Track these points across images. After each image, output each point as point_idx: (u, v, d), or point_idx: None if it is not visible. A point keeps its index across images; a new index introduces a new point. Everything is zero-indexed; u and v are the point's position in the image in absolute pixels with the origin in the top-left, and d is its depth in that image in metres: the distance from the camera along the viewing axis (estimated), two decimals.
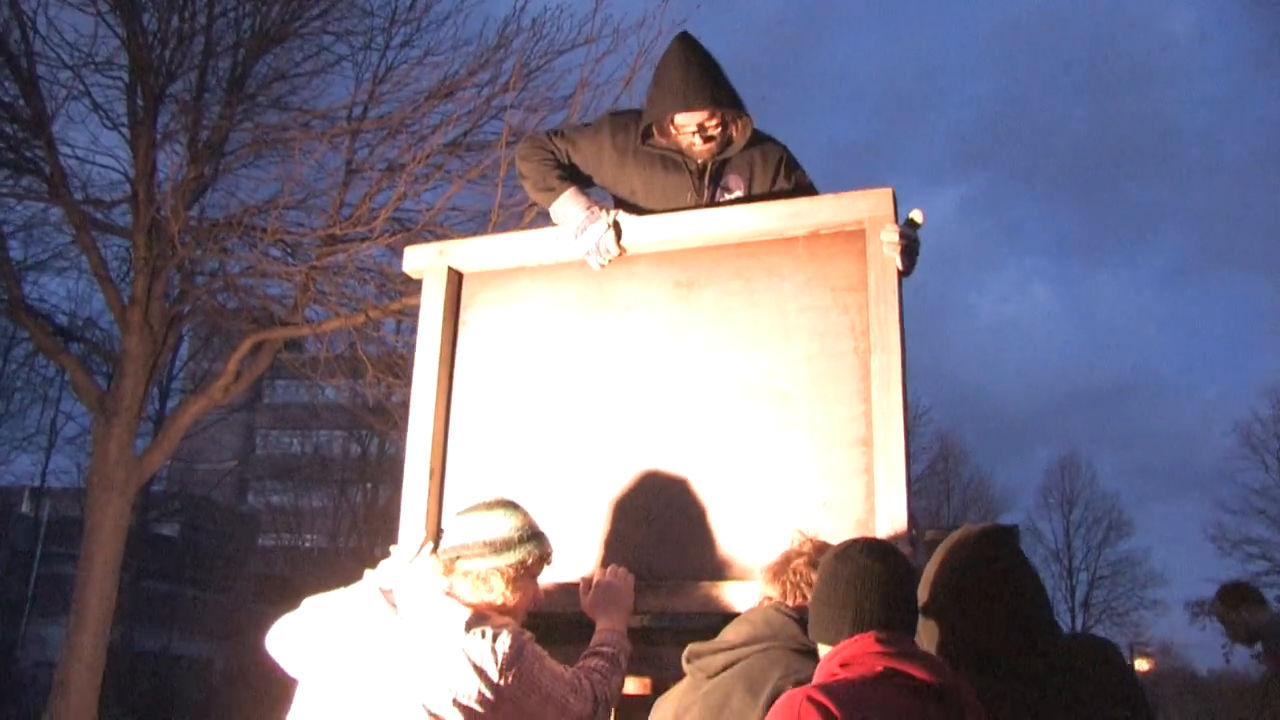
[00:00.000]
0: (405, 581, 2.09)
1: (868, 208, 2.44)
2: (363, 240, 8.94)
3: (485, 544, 2.05)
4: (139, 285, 9.51)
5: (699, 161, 2.73)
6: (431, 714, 1.87)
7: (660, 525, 2.42)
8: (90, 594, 9.03)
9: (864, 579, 1.71)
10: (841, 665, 1.65)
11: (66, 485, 21.43)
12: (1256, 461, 31.24)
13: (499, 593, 2.05)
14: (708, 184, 2.74)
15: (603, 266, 2.63)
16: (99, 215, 10.28)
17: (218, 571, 23.70)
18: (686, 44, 2.70)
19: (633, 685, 2.94)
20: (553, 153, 2.84)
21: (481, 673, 1.89)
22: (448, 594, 2.03)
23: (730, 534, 2.38)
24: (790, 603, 2.01)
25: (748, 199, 2.72)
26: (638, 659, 2.36)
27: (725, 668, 1.93)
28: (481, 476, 2.59)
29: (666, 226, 2.63)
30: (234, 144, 10.23)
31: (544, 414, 2.61)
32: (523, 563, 2.06)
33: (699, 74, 2.63)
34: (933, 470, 31.10)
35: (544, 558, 2.13)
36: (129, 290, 9.72)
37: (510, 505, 2.15)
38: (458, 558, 2.06)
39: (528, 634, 2.03)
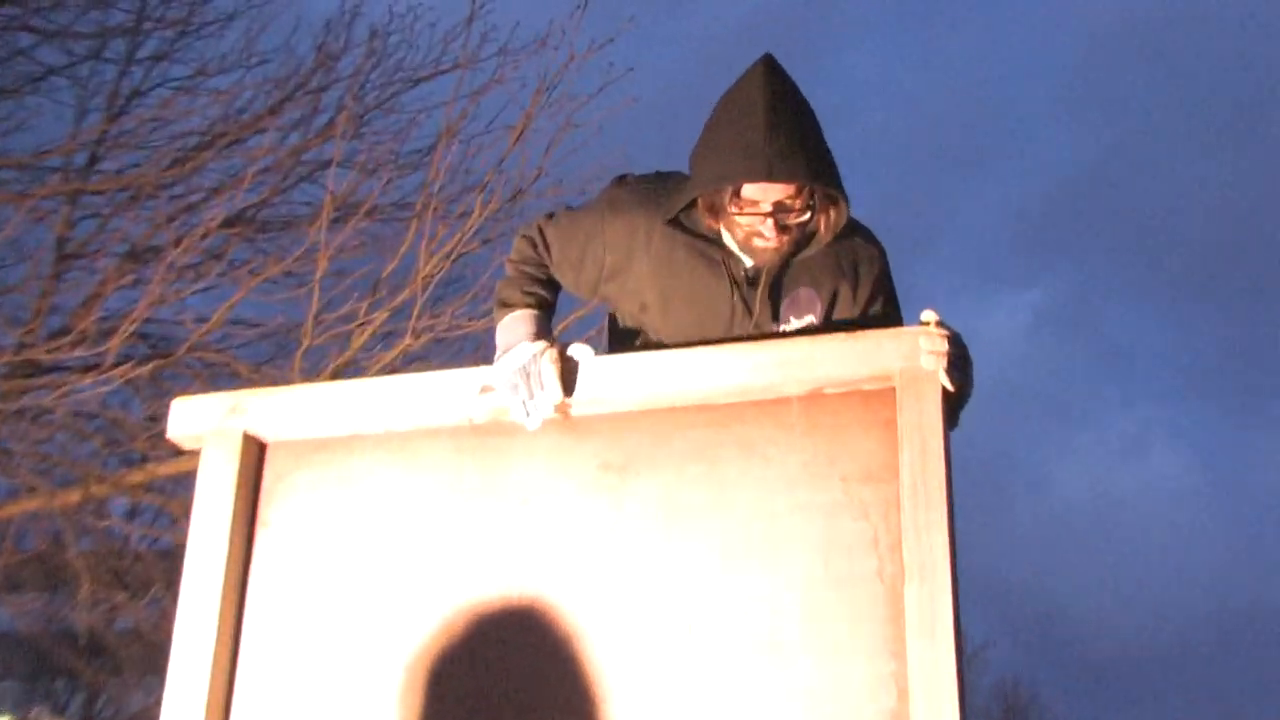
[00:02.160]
0: None
1: (899, 354, 2.55)
2: (85, 370, 8.86)
3: None
4: None
5: (753, 265, 2.84)
6: None
7: None
8: None
9: None
10: None
11: None
12: None
13: None
14: (762, 299, 2.86)
15: (531, 417, 2.67)
16: None
17: None
18: (772, 77, 2.76)
19: None
20: (535, 251, 2.99)
21: None
22: None
23: None
24: None
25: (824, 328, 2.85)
26: None
27: None
28: None
29: (588, 376, 2.72)
30: None
31: (388, 664, 2.62)
32: None
33: (791, 127, 2.69)
34: None
35: None
36: None
37: None
38: None
39: None
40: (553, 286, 3.01)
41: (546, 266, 3.00)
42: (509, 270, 3.02)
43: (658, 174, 3.04)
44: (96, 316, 9.12)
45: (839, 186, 2.75)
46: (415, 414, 2.81)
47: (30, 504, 9.26)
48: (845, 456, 2.58)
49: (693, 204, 2.83)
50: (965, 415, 2.72)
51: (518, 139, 8.80)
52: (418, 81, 9.76)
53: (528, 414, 2.67)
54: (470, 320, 8.59)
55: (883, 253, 2.95)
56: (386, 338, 8.63)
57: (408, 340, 8.41)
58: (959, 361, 2.55)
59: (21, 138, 9.98)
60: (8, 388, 9.04)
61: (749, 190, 2.72)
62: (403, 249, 8.71)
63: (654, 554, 2.59)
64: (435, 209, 8.84)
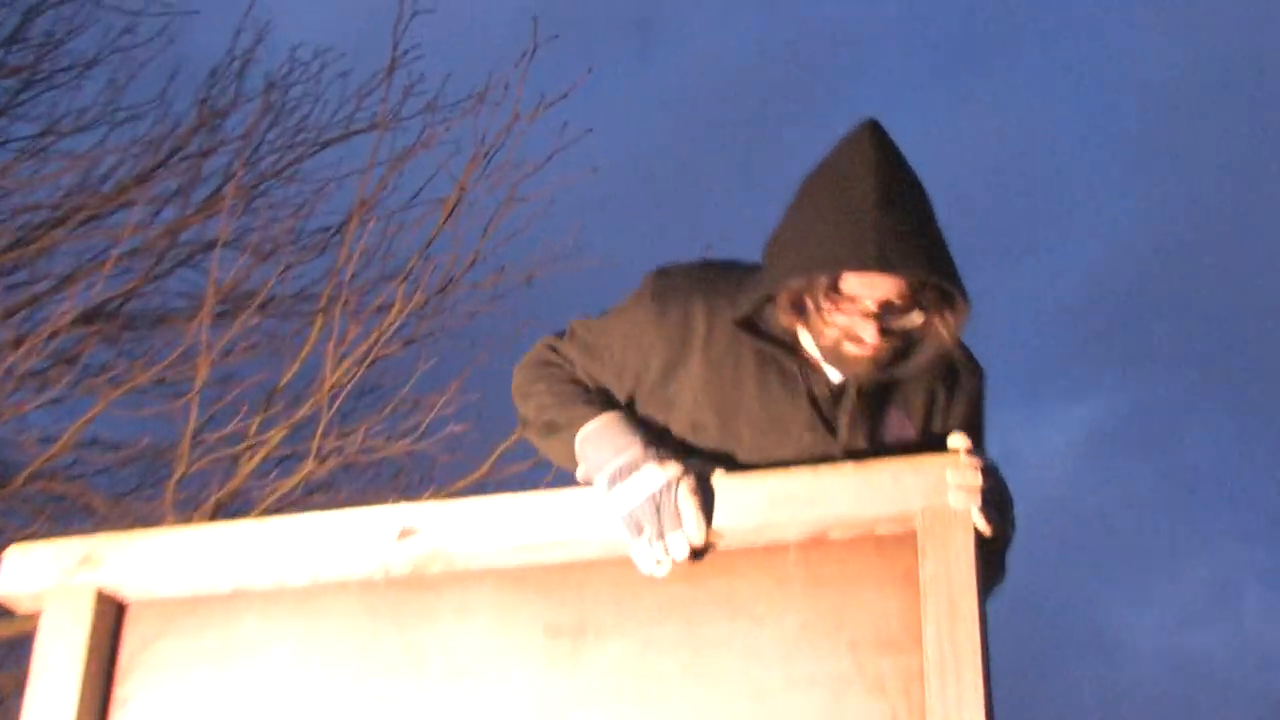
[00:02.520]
0: None
1: (922, 490, 2.54)
2: None
3: None
4: None
5: (840, 379, 2.79)
6: None
7: None
8: None
9: None
10: None
11: None
12: None
13: None
14: (851, 420, 2.81)
15: (661, 564, 2.61)
16: None
17: None
18: (882, 146, 2.72)
19: None
20: (561, 369, 2.95)
21: None
22: None
23: None
24: None
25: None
26: None
27: None
28: None
29: (530, 516, 2.70)
30: None
31: None
32: None
33: (906, 207, 2.65)
34: None
35: None
36: None
37: None
38: None
39: None
40: (599, 392, 2.93)
41: (579, 381, 2.93)
42: (540, 402, 2.93)
43: (711, 262, 2.98)
44: None
45: (960, 285, 2.68)
46: (317, 564, 2.76)
47: None
48: (855, 618, 2.53)
49: (764, 301, 2.76)
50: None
51: (449, 216, 8.75)
52: (326, 144, 9.69)
53: (657, 560, 2.61)
54: (388, 441, 8.49)
55: (983, 376, 2.92)
56: (284, 463, 8.52)
57: (310, 466, 8.28)
58: (995, 499, 2.51)
59: None
60: None
61: (851, 283, 2.63)
62: (305, 352, 8.65)
63: None
64: (346, 302, 8.81)
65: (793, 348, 2.79)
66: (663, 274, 2.93)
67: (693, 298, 2.85)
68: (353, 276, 8.95)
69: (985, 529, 2.49)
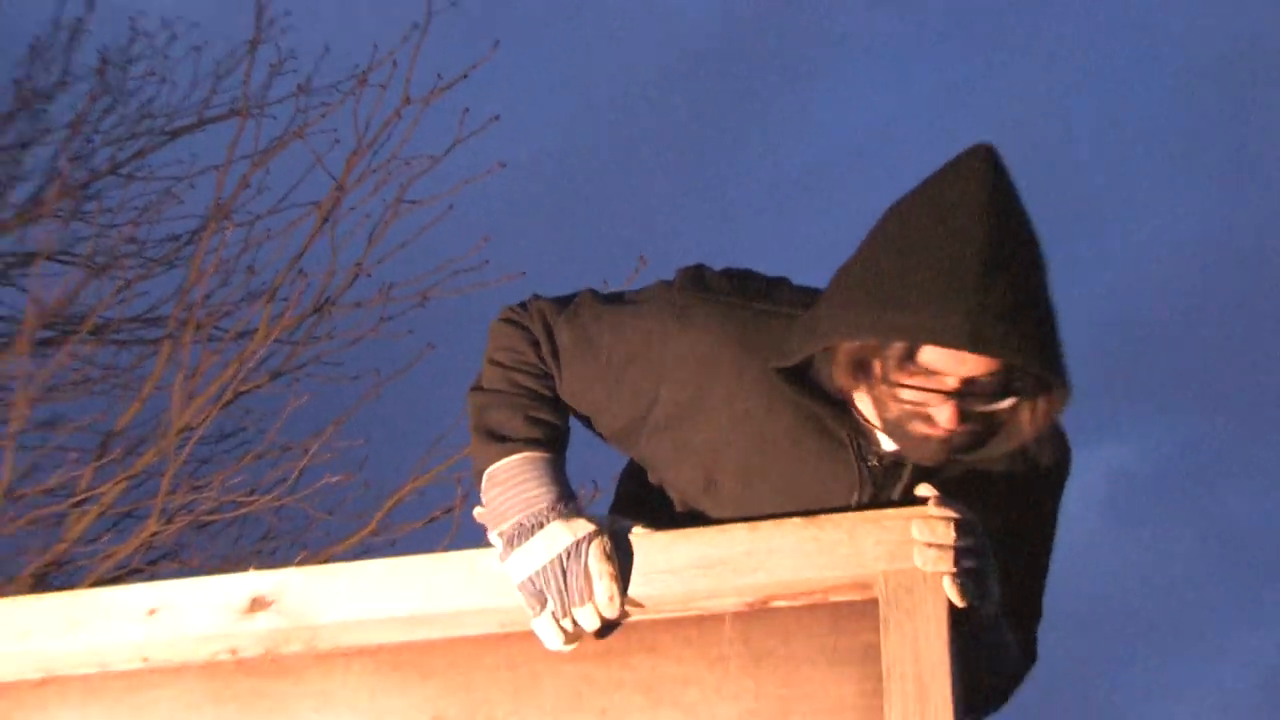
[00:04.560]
0: None
1: (885, 550, 2.57)
2: None
3: None
4: None
5: (896, 452, 2.75)
6: None
7: None
8: None
9: None
10: None
11: None
12: None
13: None
14: (902, 491, 2.77)
15: (570, 636, 2.62)
16: None
17: None
18: (1000, 188, 2.62)
19: None
20: (534, 353, 2.92)
21: None
22: None
23: None
24: None
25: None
26: None
27: None
28: None
29: (411, 584, 2.73)
30: None
31: None
32: None
33: (1016, 275, 2.56)
34: None
35: None
36: None
37: None
38: None
39: None
40: (563, 410, 2.92)
41: (552, 379, 2.91)
42: (495, 378, 2.90)
43: (753, 279, 2.93)
44: None
45: (1064, 374, 2.60)
46: (149, 643, 2.78)
47: None
48: (805, 706, 2.56)
49: (818, 350, 2.69)
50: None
51: (324, 220, 8.69)
52: (175, 134, 9.61)
53: (562, 632, 2.63)
54: (251, 495, 8.42)
55: (1069, 454, 2.91)
56: (121, 522, 8.48)
57: (153, 526, 8.18)
58: (972, 560, 2.54)
59: None
60: None
61: (934, 355, 2.57)
62: (148, 388, 8.60)
63: None
64: (199, 327, 8.72)
65: (843, 407, 2.76)
66: (697, 283, 2.88)
67: (727, 328, 2.80)
68: (207, 296, 8.83)
69: (958, 598, 2.50)
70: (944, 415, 2.58)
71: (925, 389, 2.58)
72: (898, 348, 2.56)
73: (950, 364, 2.55)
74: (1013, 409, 2.65)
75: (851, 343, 2.61)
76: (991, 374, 2.57)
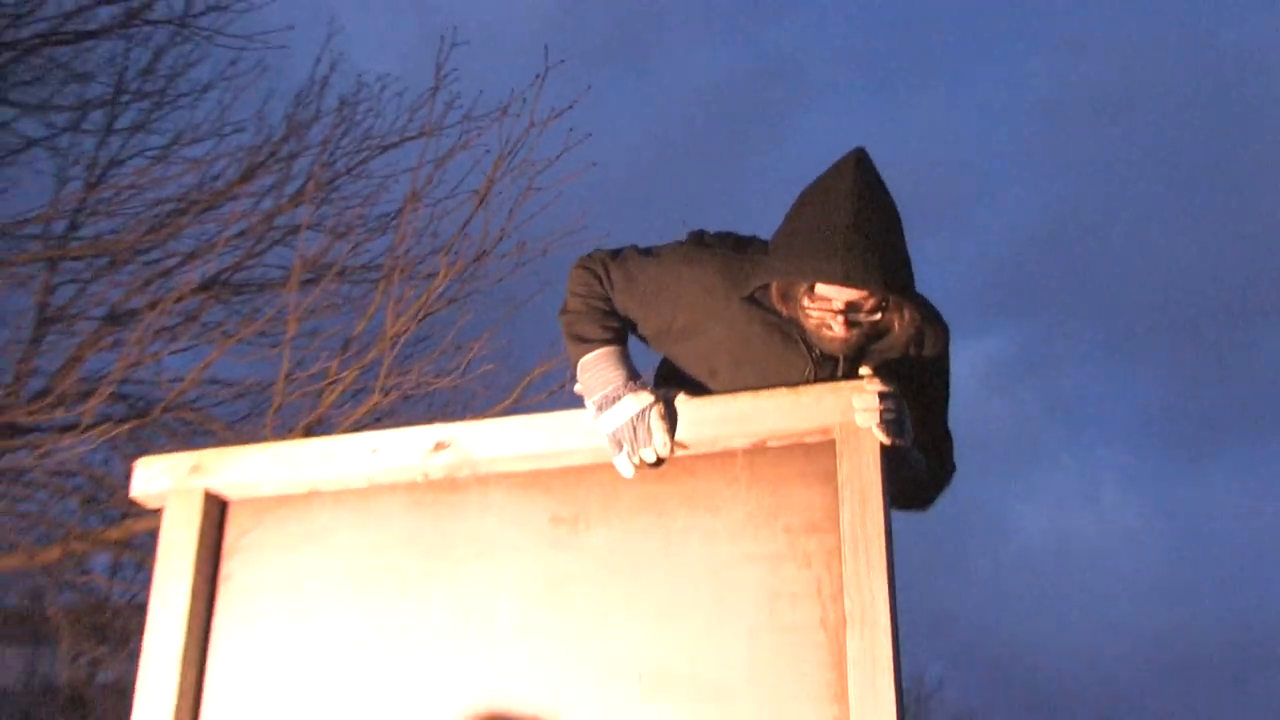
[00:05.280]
0: None
1: (838, 409, 2.56)
2: (63, 431, 8.79)
3: None
4: None
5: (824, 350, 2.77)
6: None
7: None
8: None
9: None
10: None
11: None
12: None
13: None
14: (840, 376, 2.78)
15: (639, 466, 2.64)
16: None
17: None
18: (863, 179, 2.68)
19: None
20: (601, 286, 2.92)
21: None
22: None
23: None
24: None
25: None
26: None
27: None
28: None
29: (537, 433, 2.73)
30: None
31: (348, 710, 2.63)
32: None
33: (875, 233, 2.61)
34: None
35: None
36: None
37: None
38: None
39: None
40: (624, 321, 2.93)
41: (610, 301, 2.92)
42: (576, 304, 2.92)
43: (735, 238, 2.97)
44: (76, 378, 9.03)
45: (912, 294, 2.72)
46: (373, 470, 2.81)
47: (10, 562, 9.19)
48: (788, 508, 2.58)
49: (763, 287, 2.77)
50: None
51: (481, 203, 8.70)
52: (385, 148, 9.63)
53: (632, 465, 2.66)
54: (437, 378, 8.51)
55: (948, 335, 2.90)
56: (356, 395, 8.52)
57: (376, 398, 8.30)
58: (891, 417, 2.55)
59: (2, 206, 9.82)
60: None
61: (823, 289, 2.67)
62: (371, 310, 8.63)
63: (604, 605, 2.59)
64: (402, 271, 8.76)
65: (793, 320, 2.79)
66: (698, 243, 2.96)
67: (717, 275, 2.85)
68: (407, 251, 8.94)
69: (885, 440, 2.55)
70: (838, 325, 2.69)
71: (823, 310, 2.68)
72: (802, 285, 2.67)
73: (835, 293, 2.65)
74: (884, 318, 2.73)
75: (777, 282, 2.71)
76: (863, 298, 2.66)
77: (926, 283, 2.83)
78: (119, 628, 9.70)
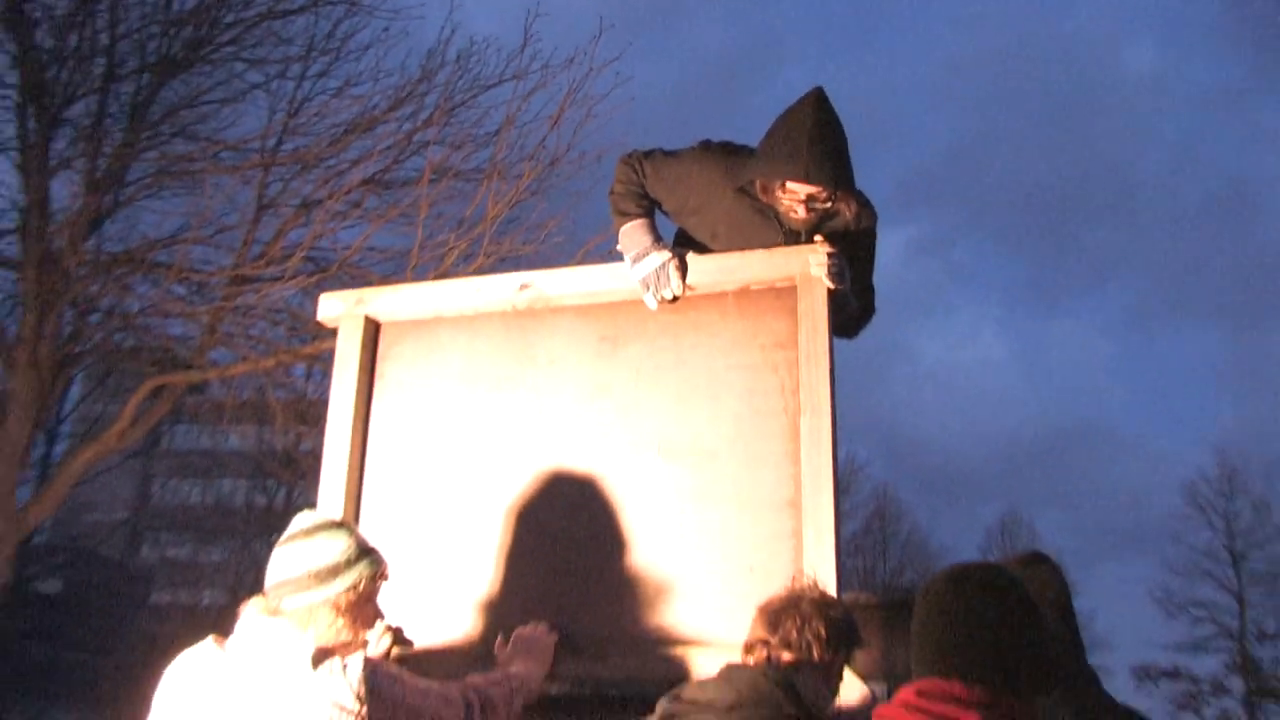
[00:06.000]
0: (240, 630, 1.97)
1: (799, 264, 2.50)
2: (274, 281, 8.87)
3: (311, 575, 1.95)
4: (27, 323, 9.24)
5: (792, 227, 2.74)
6: None
7: (581, 588, 2.43)
8: None
9: (954, 612, 1.54)
10: (876, 716, 1.53)
11: None
12: (1203, 522, 31.72)
13: (334, 625, 1.95)
14: (801, 243, 2.69)
15: (662, 304, 2.58)
16: None
17: (103, 632, 22.69)
18: (821, 109, 2.63)
19: None
20: (637, 176, 2.82)
21: (342, 708, 1.84)
22: (281, 635, 1.92)
23: (654, 599, 2.39)
24: (786, 655, 1.96)
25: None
26: None
27: None
28: (396, 532, 2.58)
29: (591, 279, 2.68)
30: (136, 174, 10.11)
31: (461, 470, 2.62)
32: (354, 587, 1.97)
33: (828, 147, 2.59)
34: (868, 528, 31.38)
35: (377, 577, 2.03)
36: (15, 328, 9.43)
37: (334, 525, 2.05)
38: (283, 595, 1.96)
39: (377, 657, 2.03)
40: (652, 201, 2.82)
41: (644, 186, 2.80)
42: (619, 188, 2.81)
43: (730, 146, 2.82)
44: (281, 246, 9.20)
45: (853, 189, 2.67)
46: (478, 302, 2.75)
47: (244, 367, 9.34)
48: (764, 332, 2.53)
49: (749, 182, 2.70)
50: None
51: (554, 125, 8.77)
52: (488, 87, 9.62)
53: (657, 301, 2.57)
54: (523, 245, 8.58)
55: (876, 218, 2.79)
56: (467, 259, 8.60)
57: (480, 260, 8.42)
58: (835, 269, 2.49)
59: (233, 131, 10.11)
60: (227, 292, 9.11)
61: (791, 184, 2.62)
62: (477, 199, 8.70)
63: (636, 397, 2.56)
64: (499, 172, 8.78)
65: (770, 205, 2.71)
66: (706, 147, 2.82)
67: (719, 170, 2.75)
68: (503, 159, 8.88)
69: (830, 285, 2.49)
70: (801, 210, 2.63)
71: (791, 199, 2.63)
72: (777, 181, 2.62)
73: (800, 188, 2.60)
74: (834, 205, 2.66)
75: (760, 178, 2.64)
76: (819, 192, 2.60)
77: (865, 182, 2.79)
78: (314, 413, 9.82)
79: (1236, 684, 29.70)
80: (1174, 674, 30.14)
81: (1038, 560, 2.07)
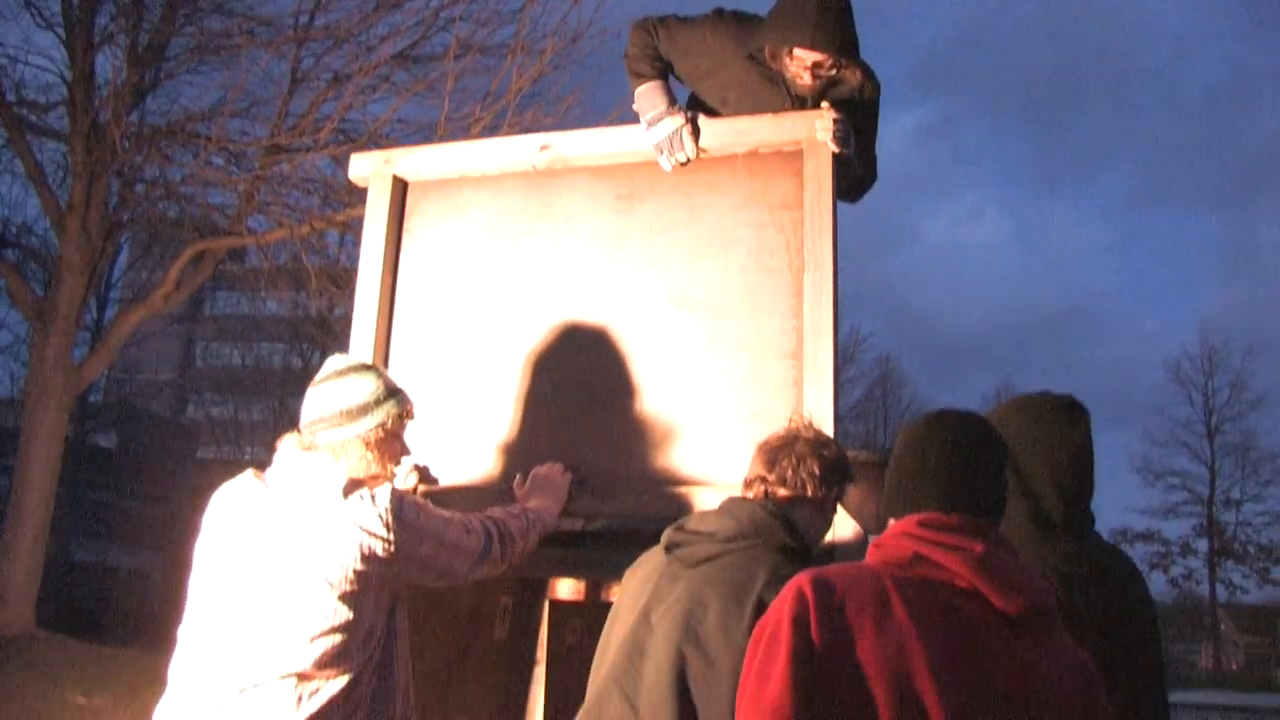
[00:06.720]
0: (276, 463, 2.05)
1: (806, 128, 2.47)
2: (307, 150, 8.83)
3: (342, 413, 2.02)
4: (77, 191, 9.26)
5: (799, 91, 2.68)
6: (330, 585, 1.87)
7: (595, 431, 2.48)
8: (27, 501, 8.95)
9: (941, 448, 1.53)
10: (875, 546, 1.53)
11: (0, 395, 20.94)
12: (1183, 396, 32.58)
13: (364, 459, 2.03)
14: (808, 108, 2.64)
15: (676, 166, 2.55)
16: (34, 118, 9.92)
17: (156, 483, 23.38)
18: None
19: (566, 590, 3.04)
20: (652, 39, 2.76)
21: (370, 533, 1.91)
22: (316, 467, 1.99)
23: (663, 441, 2.44)
24: (782, 491, 1.97)
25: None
26: (570, 564, 2.46)
27: (705, 560, 1.88)
28: (424, 383, 2.62)
29: (608, 140, 2.66)
30: (176, 49, 9.98)
31: (485, 322, 2.64)
32: (382, 425, 2.04)
33: (834, 16, 2.55)
34: (871, 395, 31.66)
35: (404, 415, 2.10)
36: (66, 196, 9.46)
37: (364, 368, 2.11)
38: (317, 431, 2.03)
39: (404, 489, 2.11)
40: (666, 64, 2.76)
41: (658, 50, 2.75)
42: (635, 50, 2.75)
43: (742, 14, 2.78)
44: (314, 118, 9.11)
45: (858, 58, 2.63)
46: (500, 162, 2.74)
47: (280, 234, 9.39)
48: (771, 192, 2.51)
49: (759, 49, 2.66)
50: (875, 194, 2.75)
51: (576, 2, 8.64)
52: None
53: (672, 163, 2.54)
54: (546, 118, 8.47)
55: (879, 88, 2.73)
56: (492, 130, 8.49)
57: (504, 132, 8.26)
58: (840, 134, 2.46)
59: (268, 7, 10.18)
60: (263, 162, 9.08)
61: (799, 51, 2.58)
62: (502, 73, 8.57)
63: (649, 252, 2.56)
64: (523, 47, 8.64)
65: (779, 71, 2.67)
66: (718, 15, 2.78)
67: (729, 38, 2.71)
68: (526, 34, 8.81)
69: (835, 149, 2.46)
70: (807, 76, 2.60)
71: (799, 66, 2.59)
72: (785, 48, 2.58)
73: (806, 54, 2.57)
74: (839, 73, 2.63)
75: (769, 45, 2.60)
76: (825, 59, 2.57)
77: (879, 68, 2.75)
78: (347, 277, 9.90)
79: (1202, 545, 30.78)
80: (1148, 536, 31.23)
81: (1074, 405, 1.95)
